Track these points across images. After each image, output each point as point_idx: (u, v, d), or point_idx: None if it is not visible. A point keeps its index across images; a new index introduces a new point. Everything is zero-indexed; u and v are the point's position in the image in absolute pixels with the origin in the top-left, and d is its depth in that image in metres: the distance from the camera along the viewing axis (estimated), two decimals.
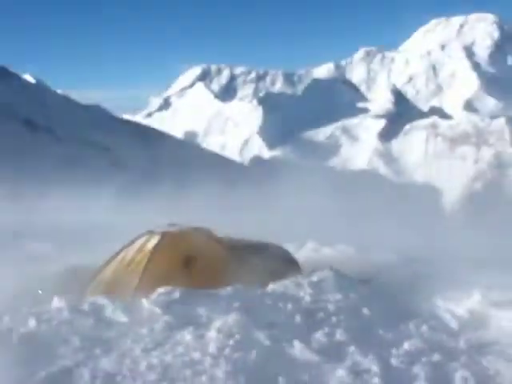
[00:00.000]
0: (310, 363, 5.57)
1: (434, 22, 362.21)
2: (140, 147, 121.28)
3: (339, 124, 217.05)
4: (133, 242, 8.45)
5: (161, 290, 7.25)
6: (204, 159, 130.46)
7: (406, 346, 6.07)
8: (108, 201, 22.76)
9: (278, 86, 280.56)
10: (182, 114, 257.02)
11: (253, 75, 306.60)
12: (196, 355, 5.61)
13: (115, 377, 5.20)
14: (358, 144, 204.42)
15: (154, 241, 8.21)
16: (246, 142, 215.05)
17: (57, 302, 7.01)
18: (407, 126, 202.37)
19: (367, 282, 8.46)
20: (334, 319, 6.70)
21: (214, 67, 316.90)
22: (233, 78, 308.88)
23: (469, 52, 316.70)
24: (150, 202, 23.60)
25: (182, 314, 6.58)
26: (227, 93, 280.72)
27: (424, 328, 6.68)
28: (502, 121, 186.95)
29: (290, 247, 9.46)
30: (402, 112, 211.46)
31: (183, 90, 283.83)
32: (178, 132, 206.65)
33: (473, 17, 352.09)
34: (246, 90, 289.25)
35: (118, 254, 8.45)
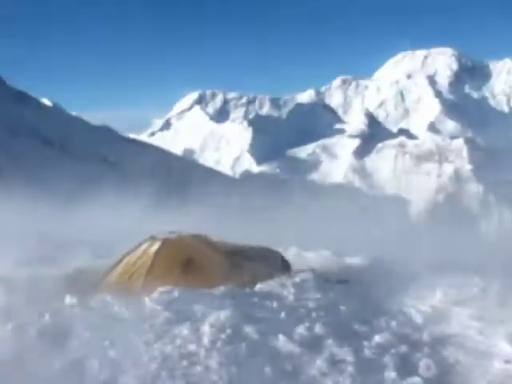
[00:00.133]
0: (293, 354, 5.56)
1: (401, 54, 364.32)
2: (144, 163, 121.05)
3: (319, 143, 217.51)
4: (137, 246, 8.43)
5: (161, 289, 7.24)
6: (200, 173, 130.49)
7: (377, 338, 6.06)
8: (115, 211, 22.66)
9: (266, 110, 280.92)
10: (181, 133, 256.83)
11: (243, 100, 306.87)
12: (192, 347, 5.60)
13: (121, 366, 5.17)
14: (336, 161, 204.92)
15: (156, 246, 8.20)
16: (238, 158, 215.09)
17: (69, 300, 6.99)
18: (379, 145, 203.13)
19: (343, 282, 8.46)
20: (313, 315, 6.70)
21: (209, 92, 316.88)
22: (226, 102, 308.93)
23: (431, 81, 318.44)
24: (153, 211, 23.53)
25: (179, 311, 6.56)
26: (221, 115, 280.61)
27: (393, 323, 6.68)
28: (460, 141, 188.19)
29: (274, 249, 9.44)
30: (374, 133, 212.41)
31: (182, 112, 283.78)
32: (177, 149, 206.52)
33: (434, 50, 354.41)
34: (237, 113, 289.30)
35: (124, 257, 8.43)
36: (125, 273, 8.11)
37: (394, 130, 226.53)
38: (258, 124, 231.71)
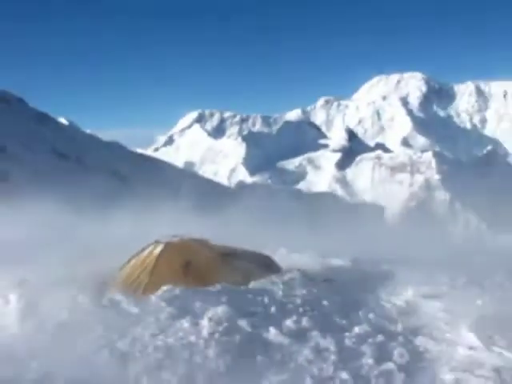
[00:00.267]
0: (282, 344, 5.57)
1: (376, 78, 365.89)
2: (150, 175, 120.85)
3: (305, 156, 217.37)
4: (143, 249, 8.40)
5: (165, 287, 7.22)
6: (200, 184, 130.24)
7: (357, 329, 6.08)
8: (125, 219, 22.57)
9: (258, 127, 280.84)
10: (182, 148, 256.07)
11: (238, 118, 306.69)
12: (192, 339, 5.60)
13: (129, 356, 5.16)
14: (320, 172, 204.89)
15: (160, 248, 8.17)
16: (233, 170, 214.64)
17: (83, 298, 6.96)
18: (358, 158, 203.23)
19: (327, 280, 8.45)
20: (300, 310, 6.70)
21: (207, 112, 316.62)
22: (222, 120, 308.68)
23: (404, 101, 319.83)
24: (157, 218, 23.44)
25: (181, 307, 6.55)
26: (218, 132, 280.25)
27: (370, 315, 6.69)
28: (429, 154, 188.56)
29: (265, 253, 9.42)
30: (354, 147, 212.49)
31: (183, 129, 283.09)
32: (179, 163, 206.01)
33: (406, 75, 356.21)
34: (232, 130, 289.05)
35: (131, 259, 8.40)
36: (132, 273, 8.08)
37: (372, 144, 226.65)
38: (251, 140, 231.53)
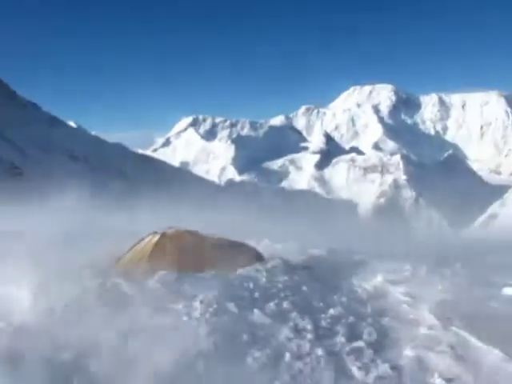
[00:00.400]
0: (265, 324, 5.59)
1: (352, 88, 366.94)
2: (149, 173, 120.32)
3: (288, 157, 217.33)
4: (142, 239, 8.39)
5: (161, 272, 7.23)
6: (193, 181, 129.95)
7: (331, 311, 6.12)
8: (127, 213, 22.42)
9: (246, 131, 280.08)
10: (178, 149, 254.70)
11: (228, 123, 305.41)
12: (185, 319, 5.61)
13: (129, 333, 5.16)
14: (301, 172, 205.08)
15: (157, 238, 8.17)
16: (223, 169, 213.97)
17: (88, 282, 6.93)
18: (334, 160, 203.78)
19: (306, 268, 8.49)
20: (282, 294, 6.72)
21: (200, 117, 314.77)
22: (214, 124, 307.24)
23: (376, 110, 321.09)
24: (155, 212, 23.31)
25: (175, 290, 6.55)
26: (210, 135, 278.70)
27: (343, 299, 6.74)
28: (398, 157, 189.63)
29: (251, 243, 9.43)
30: (331, 150, 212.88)
31: (179, 132, 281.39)
32: (175, 162, 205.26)
33: (378, 86, 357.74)
34: (223, 133, 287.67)
35: (132, 247, 8.38)
36: (133, 258, 8.08)
37: (347, 147, 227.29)
38: (240, 142, 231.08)
